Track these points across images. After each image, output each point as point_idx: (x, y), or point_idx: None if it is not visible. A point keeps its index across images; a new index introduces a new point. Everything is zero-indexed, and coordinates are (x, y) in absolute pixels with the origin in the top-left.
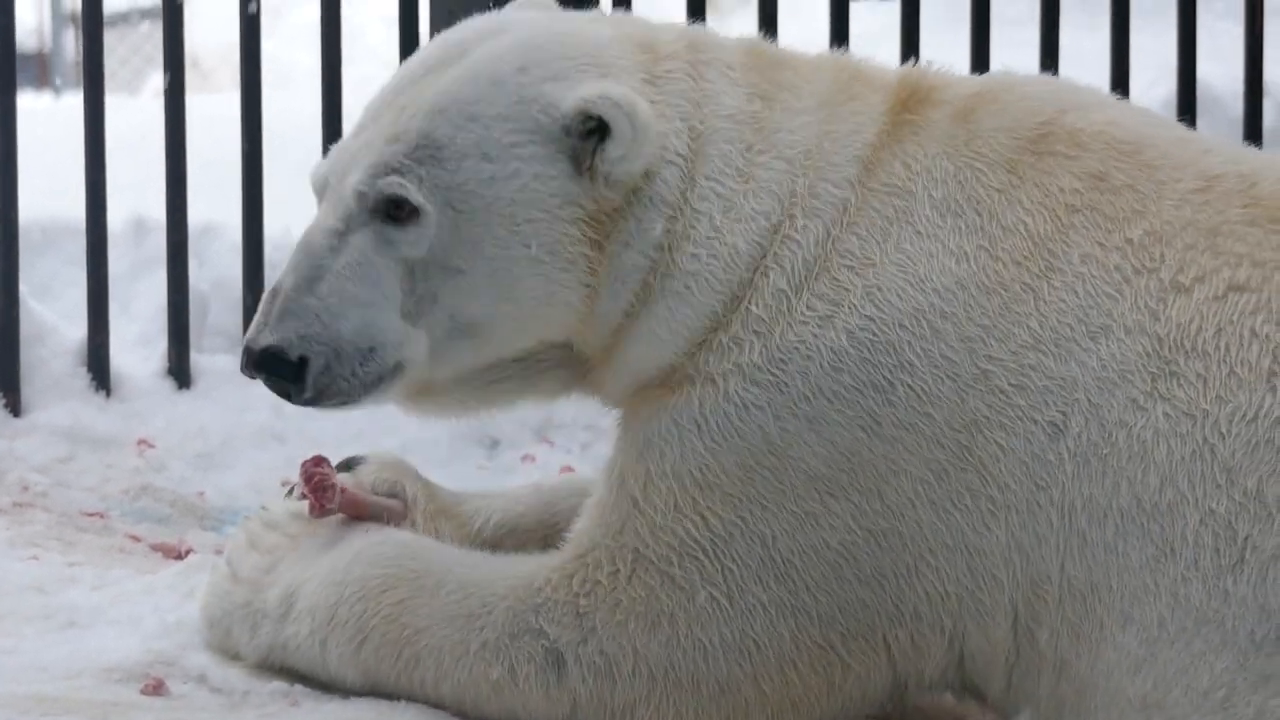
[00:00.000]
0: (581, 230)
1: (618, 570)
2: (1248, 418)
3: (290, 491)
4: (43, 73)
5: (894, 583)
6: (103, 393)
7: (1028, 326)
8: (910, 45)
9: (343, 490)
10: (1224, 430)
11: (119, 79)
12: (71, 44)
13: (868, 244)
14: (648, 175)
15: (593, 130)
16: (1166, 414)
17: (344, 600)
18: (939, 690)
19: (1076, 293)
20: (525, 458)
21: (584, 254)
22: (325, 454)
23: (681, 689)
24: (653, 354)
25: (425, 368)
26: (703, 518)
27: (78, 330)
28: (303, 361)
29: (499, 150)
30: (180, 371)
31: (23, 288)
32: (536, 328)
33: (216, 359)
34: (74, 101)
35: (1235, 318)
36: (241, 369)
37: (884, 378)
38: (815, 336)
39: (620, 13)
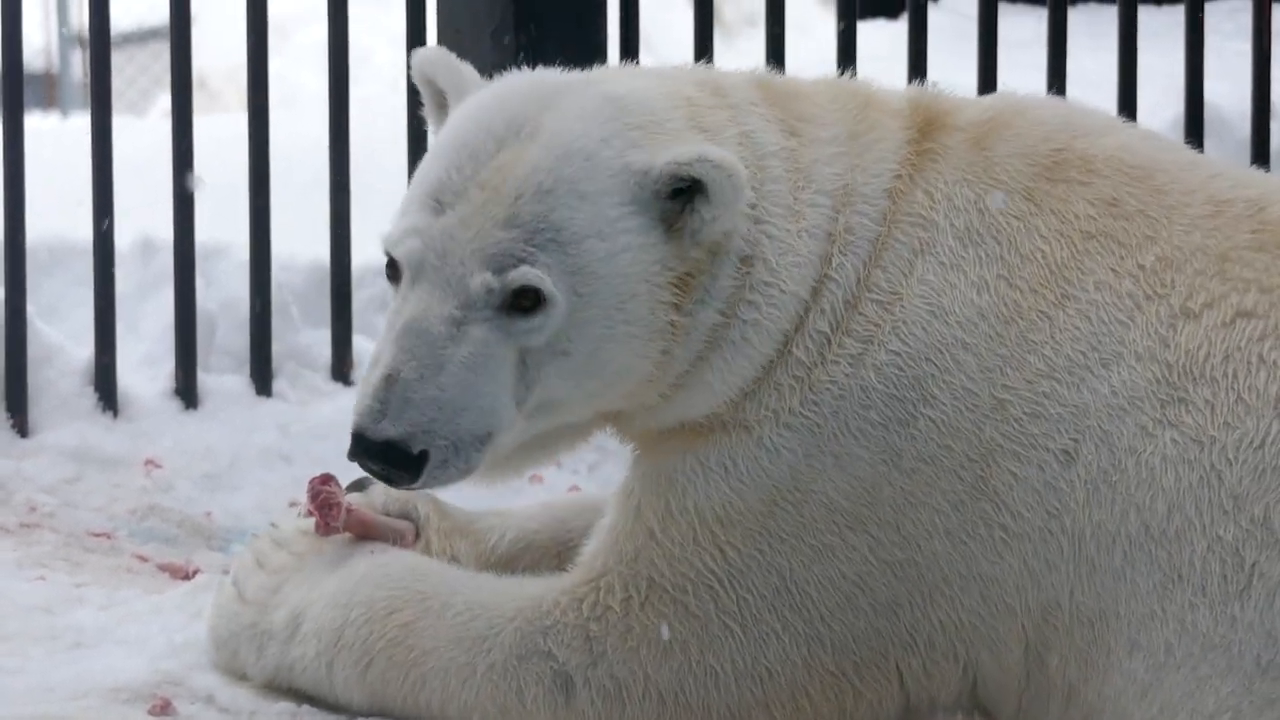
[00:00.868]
0: (671, 294)
1: (630, 597)
2: (1255, 444)
3: (299, 511)
4: (50, 93)
5: (908, 612)
6: (110, 413)
7: (1042, 354)
8: (917, 66)
9: (349, 509)
10: (1231, 457)
11: (126, 99)
12: (79, 64)
13: (893, 277)
14: (727, 231)
15: (680, 190)
16: (1175, 440)
17: (350, 622)
18: (950, 714)
19: (1090, 319)
20: (533, 478)
21: (670, 320)
22: (333, 475)
23: (691, 714)
24: (702, 402)
25: (508, 442)
26: (721, 551)
27: (85, 350)
28: (423, 455)
29: (608, 225)
30: (187, 391)
31: (30, 308)
32: (608, 401)
33: (224, 379)
34: (81, 122)
35: (1243, 344)
36: (350, 456)
37: (908, 412)
38: (847, 376)
39: (629, 64)
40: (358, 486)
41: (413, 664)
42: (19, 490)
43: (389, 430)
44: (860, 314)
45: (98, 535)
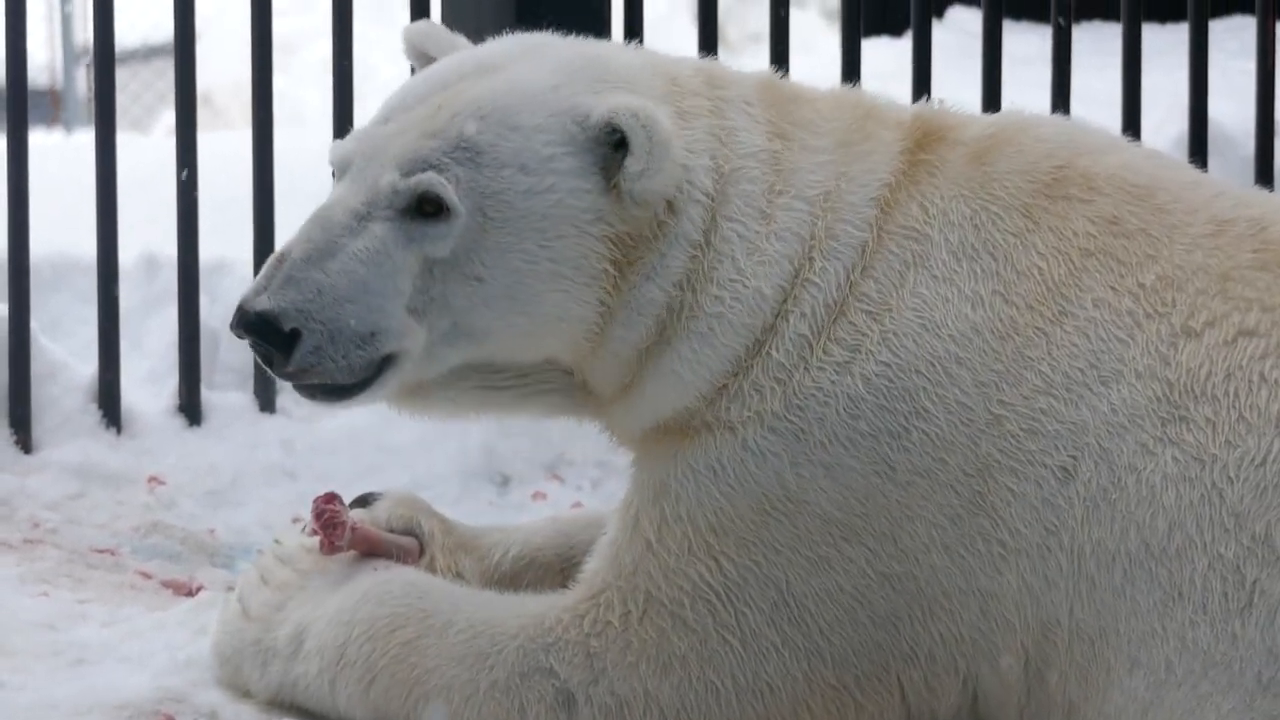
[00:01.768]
0: (607, 248)
1: (629, 612)
2: (1256, 462)
3: (304, 528)
4: (54, 109)
5: (908, 625)
6: (113, 429)
7: (1039, 371)
8: (922, 83)
9: (354, 527)
10: (1232, 475)
11: (131, 116)
12: (83, 81)
13: (884, 288)
14: (674, 210)
15: (620, 143)
16: (1176, 459)
17: (352, 640)
18: None
19: (1088, 337)
20: (536, 495)
21: (606, 271)
22: (336, 491)
23: None
24: (673, 394)
25: (419, 365)
26: (716, 561)
27: (89, 367)
28: (295, 334)
29: (537, 162)
30: (191, 408)
31: (34, 324)
32: (542, 343)
33: (227, 395)
34: (85, 138)
35: (1245, 363)
36: (231, 326)
37: (900, 424)
38: (833, 383)
39: (637, 44)
40: (361, 502)
41: (415, 681)
42: (22, 506)
43: (264, 303)
44: (849, 322)
45: (101, 551)
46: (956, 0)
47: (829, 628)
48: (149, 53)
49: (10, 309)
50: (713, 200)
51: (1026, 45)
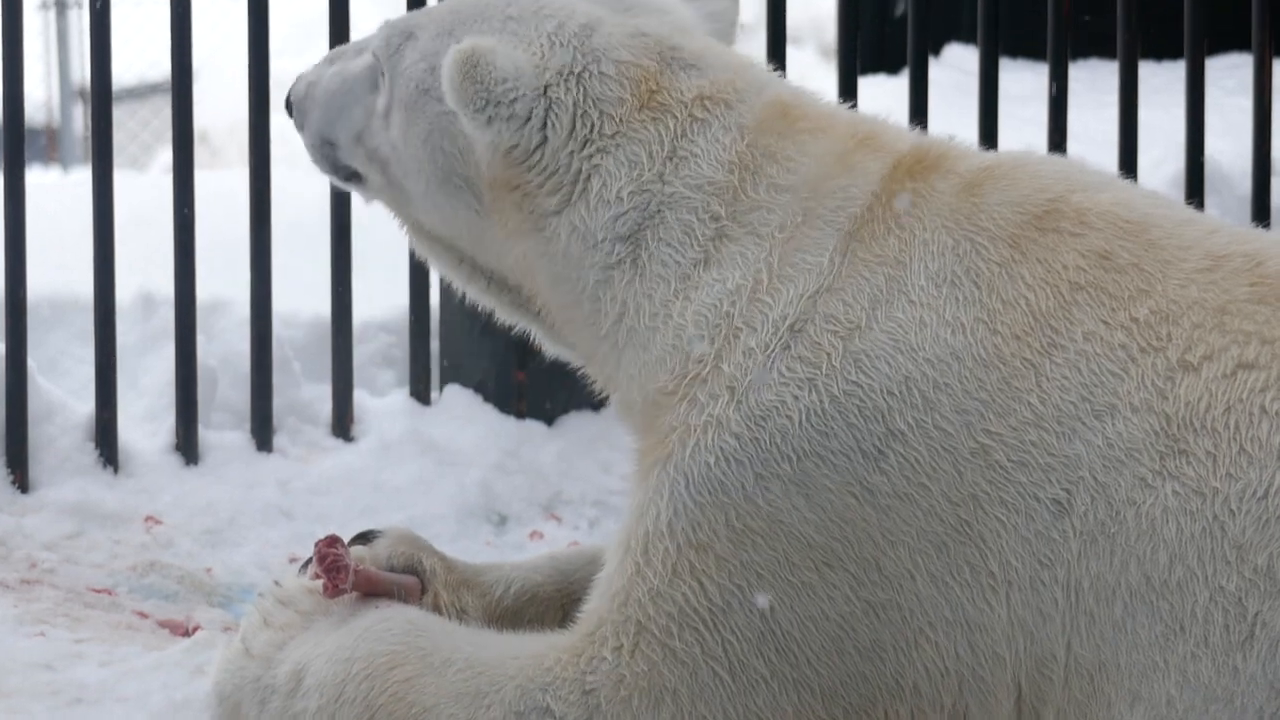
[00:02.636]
0: (468, 168)
1: (621, 645)
2: (1258, 495)
3: (303, 568)
4: (51, 148)
5: (894, 657)
6: (110, 469)
7: (1028, 403)
8: (918, 121)
9: (356, 570)
10: (1234, 507)
11: (127, 154)
12: (80, 119)
13: (854, 311)
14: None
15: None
16: (1176, 492)
17: (351, 677)
18: None
19: (1080, 370)
20: (533, 534)
21: (465, 180)
22: (333, 530)
23: None
24: (628, 385)
25: (390, 203)
26: (700, 584)
27: (86, 406)
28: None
29: (432, 73)
30: (188, 447)
31: (31, 363)
32: (431, 221)
33: (224, 435)
34: (82, 177)
35: (1245, 395)
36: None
37: (873, 445)
38: (795, 399)
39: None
40: (362, 539)
41: (414, 719)
42: (19, 546)
43: (298, 83)
44: (812, 340)
45: (98, 591)
46: (953, 38)
47: (815, 657)
48: (146, 91)
49: (7, 348)
50: (629, 213)
51: (1022, 83)
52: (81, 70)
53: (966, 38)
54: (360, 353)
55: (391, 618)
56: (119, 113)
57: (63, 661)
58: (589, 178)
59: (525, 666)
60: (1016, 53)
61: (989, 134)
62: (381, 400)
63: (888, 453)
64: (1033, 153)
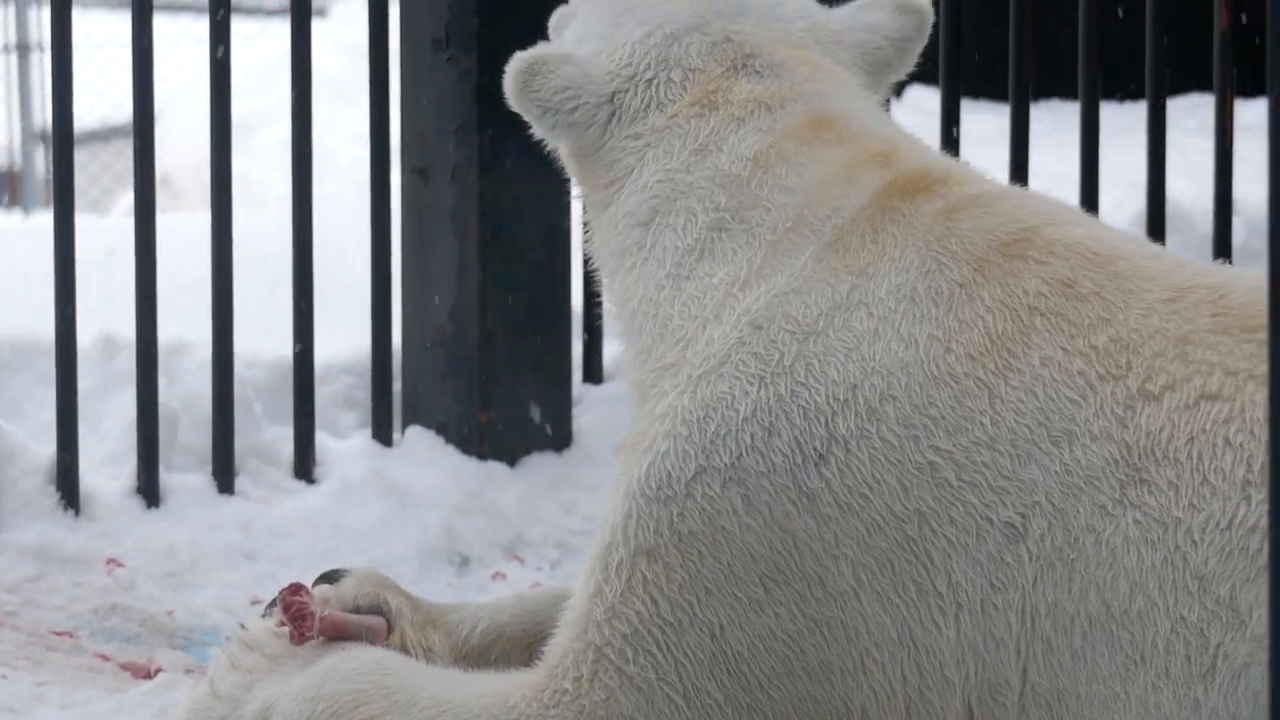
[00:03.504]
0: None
1: (580, 675)
2: (1221, 526)
3: (266, 610)
4: (12, 191)
5: (841, 679)
6: (71, 511)
7: (980, 424)
8: None
9: (322, 616)
10: (1197, 538)
11: (89, 197)
12: (41, 162)
13: (813, 314)
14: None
15: None
16: (1137, 521)
17: (317, 715)
18: None
19: (1036, 395)
20: (496, 575)
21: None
22: (296, 572)
23: None
24: (629, 375)
25: None
26: (652, 599)
27: (47, 449)
28: None
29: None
30: (149, 490)
31: None
32: None
33: (186, 477)
34: (44, 220)
35: (1208, 426)
36: None
37: (814, 448)
38: (745, 393)
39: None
40: (327, 579)
41: None
42: None
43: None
44: (770, 339)
45: (60, 634)
46: (915, 80)
47: (766, 679)
48: (108, 134)
49: None
50: (657, 198)
51: (984, 125)
52: (43, 113)
53: (928, 80)
54: (322, 394)
55: (357, 657)
56: (81, 156)
57: (24, 704)
58: (633, 170)
59: (490, 704)
60: (978, 94)
61: None
62: (344, 442)
63: (829, 457)
64: (1032, 190)
